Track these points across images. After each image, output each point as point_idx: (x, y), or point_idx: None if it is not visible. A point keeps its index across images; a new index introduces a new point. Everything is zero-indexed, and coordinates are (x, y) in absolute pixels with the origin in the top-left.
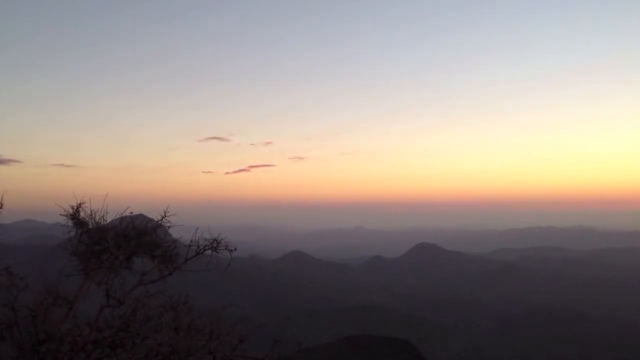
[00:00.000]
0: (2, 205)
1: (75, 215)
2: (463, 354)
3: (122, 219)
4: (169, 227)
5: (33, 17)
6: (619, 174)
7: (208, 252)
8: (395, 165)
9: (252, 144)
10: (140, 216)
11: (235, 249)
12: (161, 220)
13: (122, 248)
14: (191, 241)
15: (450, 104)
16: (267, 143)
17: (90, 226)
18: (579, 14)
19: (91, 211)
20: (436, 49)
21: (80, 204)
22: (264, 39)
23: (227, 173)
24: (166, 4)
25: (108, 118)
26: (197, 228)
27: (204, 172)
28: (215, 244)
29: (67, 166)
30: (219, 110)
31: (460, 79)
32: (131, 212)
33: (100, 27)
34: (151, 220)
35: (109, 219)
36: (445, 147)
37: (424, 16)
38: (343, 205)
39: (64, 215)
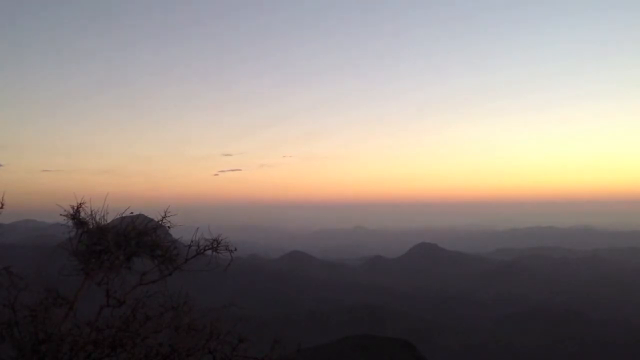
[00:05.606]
0: (2, 205)
1: (75, 215)
2: (463, 354)
3: (122, 219)
4: (169, 227)
5: (27, 22)
6: (619, 174)
7: (208, 252)
8: (394, 166)
9: (209, 154)
10: (141, 216)
11: (236, 249)
12: (161, 220)
13: (122, 248)
14: (191, 241)
15: (449, 103)
16: (226, 154)
17: (91, 226)
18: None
19: (91, 211)
20: (431, 47)
21: (80, 204)
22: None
23: (215, 175)
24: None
25: (79, 124)
26: (198, 228)
27: (179, 175)
28: (215, 244)
29: (46, 171)
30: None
31: (462, 77)
32: (131, 212)
33: (65, 41)
34: (151, 220)
35: (109, 219)
36: (445, 147)
37: (391, 21)
38: (343, 205)
39: (64, 215)
